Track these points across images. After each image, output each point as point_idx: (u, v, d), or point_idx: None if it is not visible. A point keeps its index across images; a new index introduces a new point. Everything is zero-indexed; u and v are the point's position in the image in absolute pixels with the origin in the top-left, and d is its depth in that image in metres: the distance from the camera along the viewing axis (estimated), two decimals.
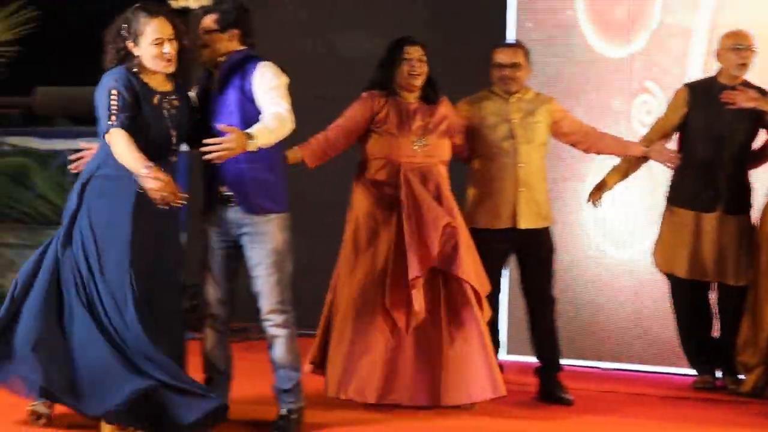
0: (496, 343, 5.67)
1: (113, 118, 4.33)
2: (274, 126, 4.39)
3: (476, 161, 5.50)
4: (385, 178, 5.16)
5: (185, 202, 4.28)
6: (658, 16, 6.32)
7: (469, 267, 5.12)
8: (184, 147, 4.94)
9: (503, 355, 5.95)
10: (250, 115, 4.53)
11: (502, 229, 5.42)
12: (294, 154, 5.06)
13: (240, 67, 4.59)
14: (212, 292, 4.74)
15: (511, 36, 6.48)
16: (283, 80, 4.59)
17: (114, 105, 4.35)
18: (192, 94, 4.71)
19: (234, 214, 4.63)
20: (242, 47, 4.65)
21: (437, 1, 7.13)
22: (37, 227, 7.38)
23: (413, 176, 5.13)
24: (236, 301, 4.84)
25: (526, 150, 5.41)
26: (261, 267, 4.62)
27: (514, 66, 5.44)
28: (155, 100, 4.47)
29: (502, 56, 5.48)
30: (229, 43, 4.62)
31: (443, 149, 5.24)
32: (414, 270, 5.03)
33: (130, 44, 4.43)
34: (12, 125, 10.11)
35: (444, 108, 5.26)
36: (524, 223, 5.42)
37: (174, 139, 4.52)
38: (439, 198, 5.16)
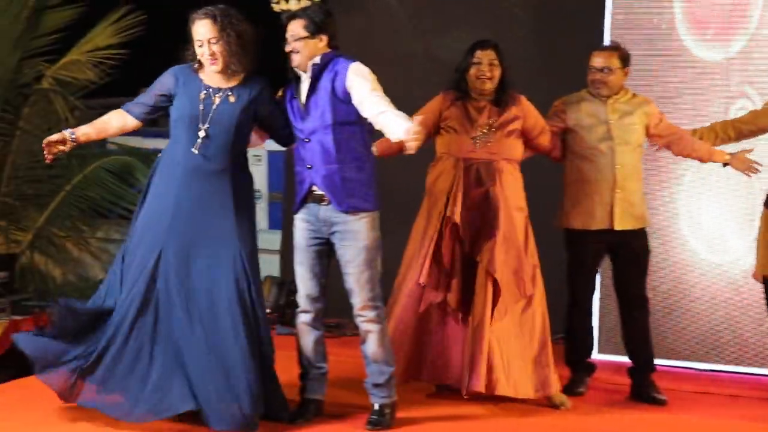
0: (590, 343, 5.71)
1: (131, 102, 4.86)
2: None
3: (571, 162, 5.51)
4: (445, 171, 5.24)
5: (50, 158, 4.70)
6: (757, 19, 6.23)
7: (495, 258, 5.13)
8: (273, 145, 5.11)
9: (595, 354, 5.95)
10: (340, 114, 4.67)
11: (598, 230, 5.43)
12: None
13: (330, 68, 4.71)
14: (304, 288, 4.85)
15: (607, 38, 6.45)
16: (375, 77, 4.71)
17: (141, 94, 4.82)
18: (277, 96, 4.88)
19: (326, 212, 4.74)
20: (330, 50, 4.76)
21: (536, 3, 7.14)
22: None
23: (467, 171, 5.20)
24: (333, 297, 4.94)
25: (623, 151, 5.41)
26: (353, 264, 4.72)
27: (606, 70, 5.44)
28: (202, 95, 4.73)
29: (595, 60, 5.48)
30: (318, 48, 4.73)
31: (509, 148, 5.26)
32: (422, 276, 5.16)
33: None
34: None
35: (518, 109, 5.28)
36: (620, 225, 5.42)
37: (202, 130, 4.70)
38: (488, 193, 5.20)
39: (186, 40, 4.79)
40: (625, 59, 5.50)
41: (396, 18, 7.41)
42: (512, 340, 5.17)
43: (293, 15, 4.76)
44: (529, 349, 5.20)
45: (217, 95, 4.73)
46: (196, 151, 4.71)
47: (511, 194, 5.24)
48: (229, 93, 4.74)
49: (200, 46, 4.69)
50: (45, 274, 8.54)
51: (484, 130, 5.20)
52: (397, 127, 4.44)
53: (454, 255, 5.19)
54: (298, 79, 4.80)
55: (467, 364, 5.11)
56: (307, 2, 7.33)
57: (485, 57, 5.22)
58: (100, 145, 8.80)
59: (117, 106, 5.02)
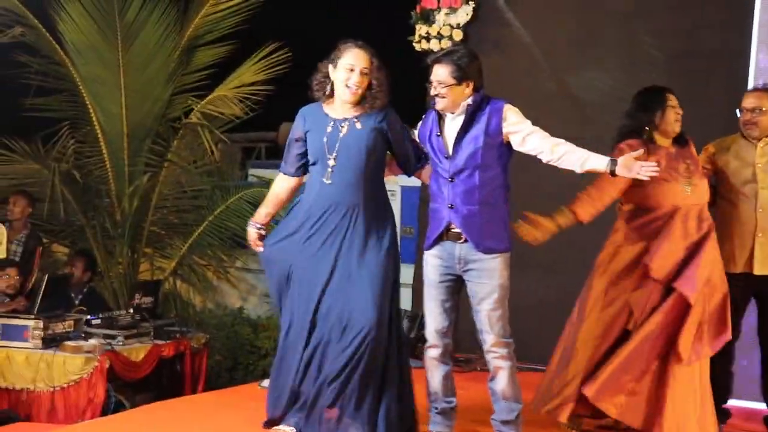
0: (729, 388, 5.58)
1: (282, 163, 5.01)
2: None
3: (719, 204, 5.45)
4: (661, 224, 5.05)
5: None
6: None
7: (699, 300, 4.97)
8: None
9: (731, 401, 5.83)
10: (489, 156, 4.70)
11: (738, 273, 5.34)
12: (565, 217, 5.03)
13: (484, 109, 4.74)
14: (433, 323, 4.87)
15: (751, 81, 6.34)
16: None
17: (286, 152, 4.99)
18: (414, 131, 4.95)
19: (462, 250, 4.76)
20: (475, 92, 4.78)
21: (673, 43, 7.05)
22: None
23: (686, 219, 5.04)
24: (465, 333, 4.97)
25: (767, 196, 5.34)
26: (487, 302, 4.74)
27: (757, 111, 5.37)
28: (329, 128, 4.81)
29: (747, 100, 5.44)
30: (465, 94, 4.75)
31: (706, 189, 5.18)
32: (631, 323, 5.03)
33: (330, 66, 4.81)
34: (258, 158, 10.79)
35: (693, 149, 5.23)
36: (760, 270, 5.32)
37: (330, 159, 4.78)
38: (701, 240, 5.03)
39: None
40: None
41: (531, 57, 7.45)
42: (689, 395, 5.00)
43: (439, 59, 4.77)
44: (701, 410, 5.02)
45: (343, 125, 4.81)
46: (328, 181, 4.80)
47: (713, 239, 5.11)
48: (356, 120, 4.81)
49: (351, 70, 4.75)
50: (186, 300, 8.81)
51: (690, 176, 5.09)
52: (597, 159, 4.61)
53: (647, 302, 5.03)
54: (440, 116, 4.85)
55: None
56: (448, 42, 7.45)
57: (675, 100, 5.17)
58: (241, 177, 9.08)
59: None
